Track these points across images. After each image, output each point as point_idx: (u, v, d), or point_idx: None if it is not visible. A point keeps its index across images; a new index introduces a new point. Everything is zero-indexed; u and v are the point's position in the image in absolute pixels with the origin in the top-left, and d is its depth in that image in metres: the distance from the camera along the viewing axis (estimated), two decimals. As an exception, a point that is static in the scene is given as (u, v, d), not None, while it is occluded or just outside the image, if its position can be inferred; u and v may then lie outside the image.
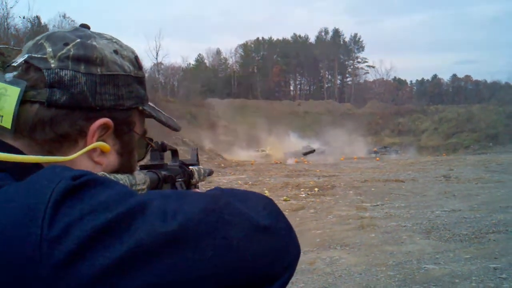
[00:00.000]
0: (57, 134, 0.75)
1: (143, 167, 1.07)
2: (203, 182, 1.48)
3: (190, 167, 1.32)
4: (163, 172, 1.07)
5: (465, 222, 9.13)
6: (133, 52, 0.89)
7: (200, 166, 1.44)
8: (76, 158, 0.75)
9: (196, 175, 1.33)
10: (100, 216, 0.55)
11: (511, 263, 6.03)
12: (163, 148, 1.13)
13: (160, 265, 0.54)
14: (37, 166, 0.71)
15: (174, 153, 1.30)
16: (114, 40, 0.86)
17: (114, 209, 0.57)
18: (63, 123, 0.75)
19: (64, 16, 50.50)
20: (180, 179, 1.21)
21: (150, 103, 0.93)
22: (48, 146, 0.76)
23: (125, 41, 0.91)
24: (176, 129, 1.01)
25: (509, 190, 14.17)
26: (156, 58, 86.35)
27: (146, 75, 0.90)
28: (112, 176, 0.75)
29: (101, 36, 0.84)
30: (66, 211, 0.56)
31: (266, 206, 0.70)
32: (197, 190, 1.27)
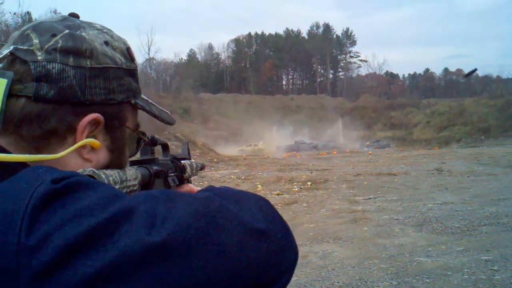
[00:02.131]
0: (44, 130, 0.71)
1: (134, 162, 1.03)
2: (195, 177, 1.45)
3: (182, 161, 1.28)
4: (155, 167, 1.03)
5: (457, 215, 9.17)
6: (125, 43, 0.85)
7: (192, 160, 1.40)
8: (65, 155, 0.72)
9: (188, 170, 1.29)
10: (83, 222, 0.52)
11: (502, 255, 6.07)
12: (153, 142, 1.09)
13: (146, 275, 0.51)
14: (23, 165, 0.68)
15: (165, 147, 1.25)
16: (104, 31, 0.82)
17: (98, 214, 0.53)
18: (51, 119, 0.72)
19: (55, 12, 50.26)
20: (172, 174, 1.17)
21: (143, 96, 0.89)
22: (36, 143, 0.72)
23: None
24: (170, 123, 0.97)
25: (501, 183, 14.25)
26: (148, 53, 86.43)
27: (138, 70, 0.84)
28: (101, 173, 0.72)
29: (91, 26, 0.80)
30: (46, 218, 0.52)
31: (261, 208, 0.67)
32: (189, 185, 1.26)
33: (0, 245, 0.50)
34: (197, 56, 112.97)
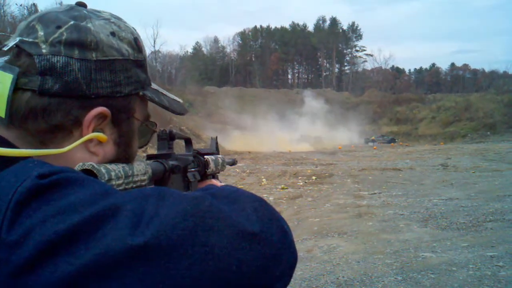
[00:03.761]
0: (50, 124, 0.71)
1: (149, 157, 1.02)
2: (223, 172, 1.41)
3: (206, 156, 1.25)
4: (171, 162, 1.00)
5: (462, 211, 9.15)
6: (132, 33, 0.82)
7: (219, 156, 1.36)
8: (71, 149, 0.71)
9: (212, 165, 1.25)
10: (66, 219, 0.51)
11: (507, 251, 6.05)
12: (171, 136, 1.07)
13: (128, 275, 0.50)
14: (27, 158, 0.66)
15: (188, 141, 1.23)
16: (112, 20, 0.80)
17: (83, 211, 0.52)
18: (56, 113, 0.71)
19: (61, 4, 50.18)
20: (193, 169, 1.15)
21: (153, 86, 0.87)
22: (42, 137, 0.71)
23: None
24: (181, 113, 0.94)
25: (506, 179, 14.19)
26: (154, 46, 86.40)
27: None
28: (102, 167, 0.70)
29: (98, 16, 0.78)
30: (28, 213, 0.52)
31: (257, 209, 0.64)
32: (212, 180, 1.23)
33: None
34: (203, 49, 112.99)
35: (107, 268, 0.49)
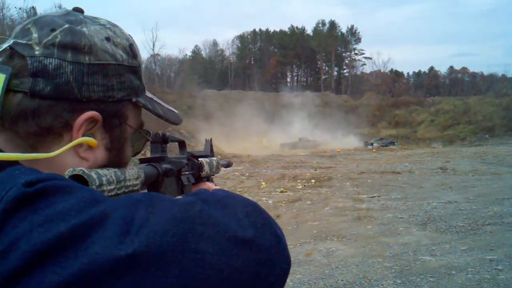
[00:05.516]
0: (40, 127, 0.70)
1: (142, 161, 1.01)
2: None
3: (200, 159, 1.24)
4: (164, 166, 1.00)
5: (461, 214, 9.15)
6: (128, 39, 0.82)
7: (213, 158, 1.35)
8: (61, 154, 0.70)
9: (206, 168, 1.24)
10: (52, 228, 0.50)
11: (507, 255, 6.05)
12: (164, 140, 1.06)
13: (118, 285, 0.48)
14: (15, 162, 0.66)
15: (182, 144, 1.23)
16: (108, 26, 0.79)
17: (70, 219, 0.51)
18: (47, 116, 0.70)
19: (60, 7, 50.35)
20: (186, 172, 1.14)
21: (148, 94, 0.86)
22: (31, 140, 0.70)
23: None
24: (175, 123, 0.92)
25: (505, 182, 14.20)
26: (153, 49, 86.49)
27: (143, 65, 0.79)
28: (92, 173, 0.69)
29: (94, 21, 0.78)
30: (15, 223, 0.51)
31: (249, 213, 0.63)
32: (206, 183, 1.22)
33: None
34: (202, 52, 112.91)
35: (95, 278, 0.48)
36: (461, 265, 5.75)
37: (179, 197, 0.72)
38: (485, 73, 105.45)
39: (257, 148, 46.72)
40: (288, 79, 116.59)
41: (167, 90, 66.82)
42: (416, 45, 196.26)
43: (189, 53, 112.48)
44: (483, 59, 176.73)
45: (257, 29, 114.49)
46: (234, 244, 0.56)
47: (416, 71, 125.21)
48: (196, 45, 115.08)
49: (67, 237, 0.50)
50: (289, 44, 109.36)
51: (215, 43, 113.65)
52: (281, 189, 14.37)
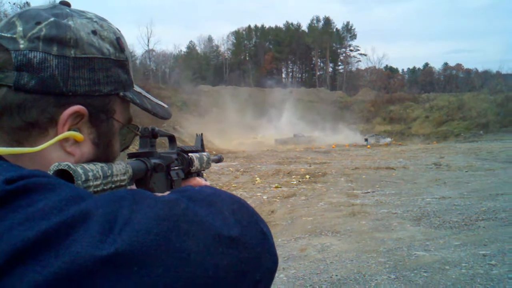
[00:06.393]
0: (25, 121, 0.69)
1: (131, 155, 0.99)
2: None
3: (190, 154, 1.22)
4: (153, 161, 0.99)
5: (455, 209, 9.19)
6: (115, 33, 0.80)
7: (204, 153, 1.33)
8: (46, 148, 0.69)
9: (196, 163, 1.22)
10: (34, 226, 0.49)
11: (500, 250, 6.08)
12: (153, 134, 1.05)
13: (99, 284, 0.48)
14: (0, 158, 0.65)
15: (171, 139, 1.21)
16: (94, 20, 0.78)
17: (52, 218, 0.50)
18: (32, 110, 0.69)
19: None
20: (176, 167, 1.13)
21: (136, 88, 0.85)
22: (16, 135, 0.69)
23: (116, 26, 0.84)
24: (164, 117, 0.91)
25: (499, 178, 14.28)
26: (148, 45, 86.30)
27: (137, 61, 0.77)
28: (78, 168, 0.67)
29: (81, 15, 0.76)
30: None
31: (235, 211, 0.62)
32: (196, 178, 1.20)
33: None
34: (197, 48, 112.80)
35: (76, 277, 0.47)
36: (454, 260, 5.77)
37: (165, 193, 0.71)
38: (480, 69, 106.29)
39: (252, 144, 46.74)
40: (283, 75, 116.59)
41: (162, 85, 66.68)
42: (411, 41, 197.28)
43: (184, 49, 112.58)
44: (477, 56, 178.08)
45: (252, 25, 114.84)
46: (220, 242, 0.56)
47: (411, 67, 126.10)
48: (191, 41, 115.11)
49: (48, 235, 0.49)
50: (284, 40, 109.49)
51: (210, 39, 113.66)
52: (276, 184, 14.37)
